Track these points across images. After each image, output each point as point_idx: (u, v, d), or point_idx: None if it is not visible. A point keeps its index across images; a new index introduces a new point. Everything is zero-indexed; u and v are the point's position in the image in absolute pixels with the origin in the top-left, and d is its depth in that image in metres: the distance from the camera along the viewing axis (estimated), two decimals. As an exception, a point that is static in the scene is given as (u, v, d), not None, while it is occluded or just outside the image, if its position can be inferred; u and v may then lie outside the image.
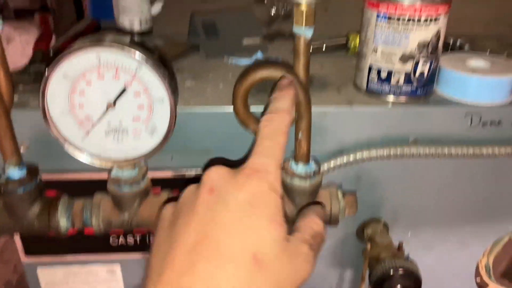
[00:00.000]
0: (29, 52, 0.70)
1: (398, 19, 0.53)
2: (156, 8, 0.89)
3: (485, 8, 1.07)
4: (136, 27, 0.81)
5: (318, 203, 0.47)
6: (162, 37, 0.81)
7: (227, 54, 0.72)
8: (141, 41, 0.44)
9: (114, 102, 0.44)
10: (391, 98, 0.57)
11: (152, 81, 0.43)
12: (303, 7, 0.44)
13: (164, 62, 0.45)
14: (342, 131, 0.57)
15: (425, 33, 0.53)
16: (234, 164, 0.38)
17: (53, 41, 0.79)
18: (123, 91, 0.43)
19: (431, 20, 0.52)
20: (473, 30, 0.88)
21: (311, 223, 0.40)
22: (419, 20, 0.52)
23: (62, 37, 0.80)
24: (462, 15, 0.96)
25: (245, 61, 0.71)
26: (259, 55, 0.73)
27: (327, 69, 0.68)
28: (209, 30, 0.75)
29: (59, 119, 0.45)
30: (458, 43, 0.73)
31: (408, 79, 0.55)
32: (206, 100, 0.57)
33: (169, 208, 0.39)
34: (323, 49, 0.74)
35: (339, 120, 0.57)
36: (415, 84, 0.56)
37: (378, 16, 0.54)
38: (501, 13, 1.02)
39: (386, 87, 0.57)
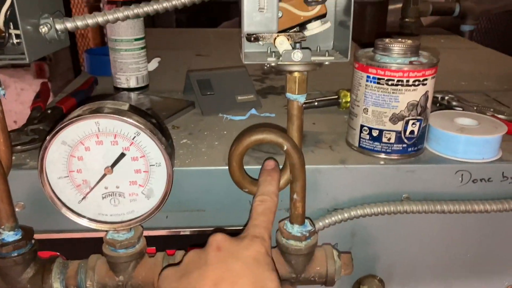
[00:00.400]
0: (24, 99, 0.71)
1: (387, 82, 0.55)
2: (153, 64, 0.92)
3: (472, 63, 1.11)
4: (133, 84, 0.83)
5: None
6: (159, 93, 0.83)
7: (222, 111, 0.74)
8: (139, 107, 0.45)
9: (112, 167, 0.45)
10: (383, 156, 0.58)
11: (149, 147, 0.44)
12: (296, 75, 0.45)
13: (161, 127, 0.46)
14: (336, 189, 0.58)
15: (413, 94, 0.55)
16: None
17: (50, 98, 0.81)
18: (121, 156, 0.44)
19: (419, 82, 0.55)
20: (461, 84, 0.91)
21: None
22: (407, 83, 0.54)
23: (60, 95, 0.81)
24: (450, 70, 1.00)
25: (239, 118, 0.72)
26: (253, 111, 0.74)
27: (320, 126, 0.70)
28: (204, 88, 0.77)
29: (57, 183, 0.45)
30: (446, 99, 0.75)
31: (398, 138, 0.57)
32: (201, 159, 0.58)
33: (171, 270, 0.45)
34: (316, 105, 0.76)
35: (333, 177, 0.58)
36: (405, 142, 0.57)
37: (367, 78, 0.56)
38: (487, 67, 1.06)
39: (377, 146, 0.58)
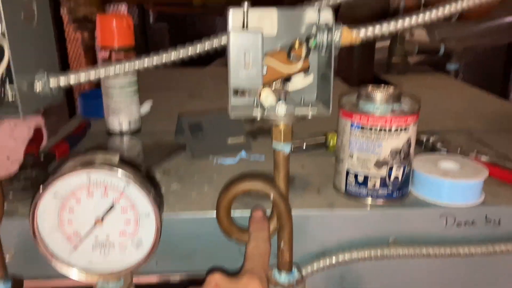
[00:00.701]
0: (17, 134, 0.72)
1: (371, 129, 0.57)
2: (145, 108, 0.94)
3: (458, 102, 1.14)
4: (125, 128, 0.84)
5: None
6: (151, 136, 0.85)
7: (213, 154, 0.75)
8: (129, 158, 0.47)
9: (102, 218, 0.46)
10: (369, 201, 0.60)
11: (138, 198, 0.45)
12: (281, 127, 0.47)
13: (150, 178, 0.47)
14: (324, 234, 0.59)
15: (396, 141, 0.57)
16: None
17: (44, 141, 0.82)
18: (111, 207, 0.45)
19: (401, 129, 0.57)
20: (445, 124, 0.94)
21: None
22: (390, 130, 0.56)
23: (53, 138, 0.83)
24: (437, 108, 1.02)
25: (230, 161, 0.74)
26: (243, 154, 0.76)
27: (307, 168, 0.71)
28: (195, 131, 0.79)
29: (47, 235, 0.46)
30: (430, 141, 0.77)
31: (383, 183, 0.58)
32: (190, 205, 0.59)
33: None
34: (304, 147, 0.78)
35: (320, 222, 0.59)
36: (390, 187, 0.59)
37: (352, 125, 0.58)
38: (472, 107, 1.09)
39: (363, 190, 0.59)
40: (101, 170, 0.43)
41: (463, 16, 1.35)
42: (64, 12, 2.17)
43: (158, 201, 0.46)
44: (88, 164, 0.44)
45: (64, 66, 3.01)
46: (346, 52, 1.28)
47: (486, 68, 3.51)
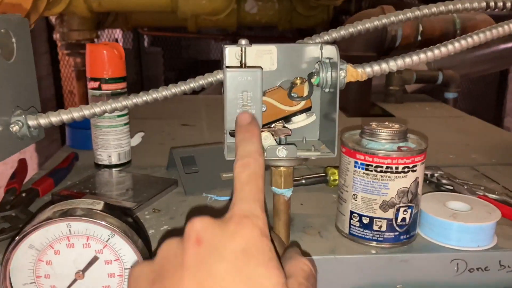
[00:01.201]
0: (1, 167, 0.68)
1: (376, 169, 0.53)
2: (136, 140, 0.90)
3: (459, 133, 1.11)
4: (115, 161, 0.80)
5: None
6: (142, 169, 0.80)
7: (206, 190, 0.71)
8: (115, 204, 0.43)
9: (84, 272, 0.41)
10: (374, 244, 0.55)
11: (124, 249, 0.41)
12: (281, 169, 0.43)
13: (137, 226, 0.43)
14: (327, 280, 0.55)
15: (403, 181, 0.53)
16: (215, 213, 0.35)
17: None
18: (94, 260, 0.41)
19: (408, 169, 0.53)
20: (449, 158, 0.90)
21: (300, 265, 0.36)
22: (396, 169, 0.53)
23: (39, 172, 0.78)
24: (438, 141, 0.99)
25: (224, 198, 0.69)
26: (238, 190, 0.72)
27: (307, 207, 0.67)
28: (187, 165, 0.75)
29: (22, 290, 0.41)
30: (436, 176, 0.74)
31: (390, 226, 0.55)
32: (183, 250, 0.54)
33: (143, 267, 0.34)
34: (303, 183, 0.74)
35: (322, 268, 0.54)
36: (397, 230, 0.55)
37: (355, 164, 0.54)
38: (474, 138, 1.06)
39: (368, 234, 0.55)
40: (82, 220, 0.39)
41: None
42: (57, 37, 2.15)
43: (146, 253, 0.42)
44: (69, 214, 0.39)
45: (57, 89, 2.98)
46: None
47: (480, 94, 3.53)
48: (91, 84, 0.78)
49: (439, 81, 1.37)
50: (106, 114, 0.77)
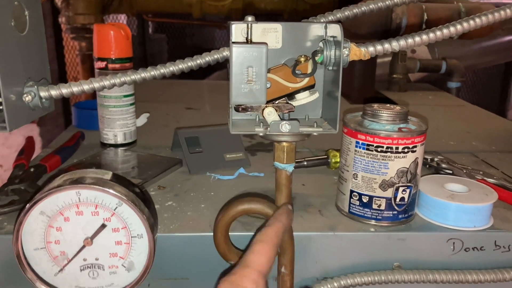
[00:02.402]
0: (11, 143, 0.69)
1: (377, 148, 0.54)
2: (142, 120, 0.91)
3: (460, 121, 1.12)
4: (120, 140, 0.82)
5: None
6: (147, 149, 0.82)
7: (210, 170, 0.73)
8: (123, 176, 0.44)
9: (92, 239, 0.43)
10: (373, 222, 0.57)
11: (131, 218, 0.42)
12: (284, 144, 0.45)
13: (144, 196, 0.44)
14: (326, 257, 0.56)
15: (403, 161, 0.54)
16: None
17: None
18: (102, 227, 0.42)
19: (408, 149, 0.54)
20: (450, 144, 0.92)
21: None
22: (397, 150, 0.54)
23: (45, 150, 0.80)
24: (439, 128, 1.00)
25: (227, 178, 0.71)
26: (241, 170, 0.73)
27: (308, 187, 0.69)
28: (192, 145, 0.76)
29: (32, 255, 0.43)
30: (435, 160, 0.75)
31: (389, 205, 0.56)
32: (186, 225, 0.56)
33: None
34: (305, 164, 0.75)
35: (322, 245, 0.56)
36: (396, 209, 0.56)
37: (357, 144, 0.56)
38: (475, 126, 1.07)
39: (367, 212, 0.57)
40: (91, 188, 0.41)
41: (465, 35, 1.34)
42: (62, 21, 2.15)
43: (152, 221, 0.43)
44: (78, 182, 0.41)
45: (62, 74, 2.99)
46: (347, 69, 1.26)
47: (484, 86, 3.52)
48: (98, 64, 0.79)
49: (443, 70, 1.38)
50: (113, 94, 0.79)
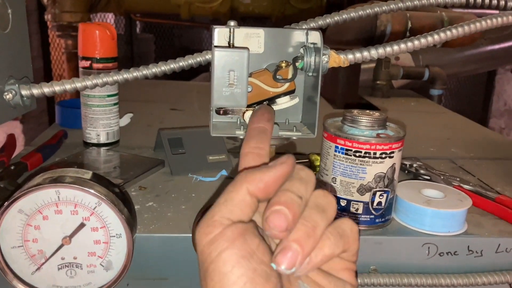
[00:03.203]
0: None
1: (355, 153, 0.55)
2: (125, 120, 0.91)
3: (440, 128, 1.14)
4: (103, 140, 0.82)
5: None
6: (129, 149, 0.82)
7: (192, 171, 0.73)
8: (103, 176, 0.44)
9: (71, 237, 0.43)
10: (350, 226, 0.58)
11: (110, 217, 0.43)
12: (264, 148, 0.45)
13: (123, 197, 0.45)
14: (303, 259, 0.57)
15: (380, 167, 0.56)
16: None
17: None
18: (81, 226, 0.43)
19: (386, 155, 0.55)
20: (429, 150, 0.93)
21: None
22: (374, 155, 0.55)
23: (26, 148, 0.79)
24: (419, 134, 1.02)
25: (209, 180, 0.71)
26: (223, 172, 0.74)
27: (289, 190, 0.70)
28: (175, 146, 0.76)
29: (9, 253, 0.43)
30: (414, 166, 0.77)
31: (366, 209, 0.57)
32: (166, 225, 0.56)
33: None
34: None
35: (300, 247, 0.57)
36: (373, 213, 0.57)
37: (336, 148, 0.57)
38: (455, 133, 1.09)
39: (345, 216, 0.58)
40: (71, 187, 0.41)
41: (448, 44, 1.36)
42: (48, 18, 2.14)
43: (131, 221, 0.44)
44: (58, 181, 0.41)
45: (47, 72, 2.96)
46: (331, 73, 1.28)
47: (467, 94, 3.58)
48: (83, 63, 0.79)
49: (425, 77, 1.40)
50: (97, 93, 0.79)
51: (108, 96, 0.80)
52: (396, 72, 1.36)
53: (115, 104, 0.82)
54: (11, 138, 0.79)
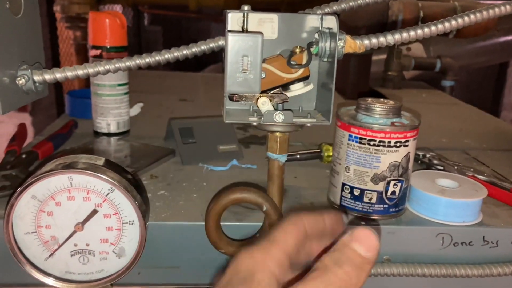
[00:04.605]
0: (2, 131, 0.69)
1: (369, 142, 0.55)
2: (135, 110, 0.91)
3: (453, 119, 1.13)
4: (113, 129, 0.81)
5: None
6: (140, 139, 0.82)
7: (203, 161, 0.73)
8: (115, 162, 0.44)
9: (83, 224, 0.43)
10: (363, 215, 0.57)
11: (123, 204, 0.42)
12: (277, 135, 0.45)
13: (136, 183, 0.44)
14: (316, 248, 0.56)
15: (395, 155, 0.55)
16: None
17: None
18: (93, 213, 0.42)
19: (400, 144, 0.55)
20: (442, 141, 0.92)
21: None
22: (389, 144, 0.54)
23: (37, 137, 0.80)
24: (431, 126, 1.01)
25: (220, 169, 0.71)
26: (234, 162, 0.73)
27: (300, 180, 0.69)
28: (185, 136, 0.76)
29: (23, 239, 0.43)
30: (427, 157, 0.76)
31: (380, 198, 0.56)
32: (178, 213, 0.56)
33: None
34: (298, 158, 0.76)
35: (312, 237, 0.56)
36: (387, 203, 0.57)
37: (349, 137, 0.56)
38: (467, 124, 1.08)
39: (359, 205, 0.57)
40: (84, 173, 0.41)
41: (460, 34, 1.34)
42: (57, 9, 2.14)
43: (144, 208, 0.43)
44: (71, 166, 0.41)
45: (55, 64, 2.97)
46: (342, 65, 1.27)
47: (478, 87, 3.54)
48: (93, 52, 0.78)
49: (437, 68, 1.39)
50: (107, 82, 0.79)
51: (119, 85, 0.80)
52: (408, 62, 1.34)
53: (125, 93, 0.82)
54: (22, 128, 0.79)
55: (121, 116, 0.82)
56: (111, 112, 0.81)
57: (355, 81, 1.27)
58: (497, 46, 2.21)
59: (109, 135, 0.82)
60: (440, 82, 1.48)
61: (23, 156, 0.68)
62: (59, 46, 3.01)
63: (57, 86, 2.91)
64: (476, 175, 0.69)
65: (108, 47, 0.78)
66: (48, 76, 0.42)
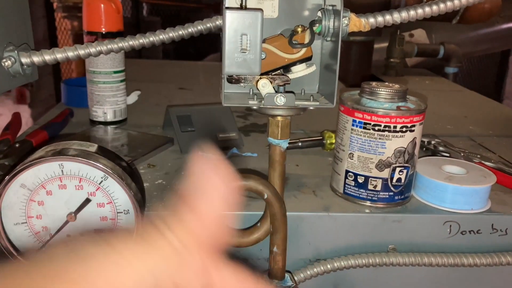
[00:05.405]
0: (2, 124, 0.68)
1: (374, 127, 0.52)
2: (133, 98, 0.89)
3: (457, 106, 1.10)
4: (110, 118, 0.79)
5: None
6: (137, 128, 0.80)
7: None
8: (109, 149, 0.42)
9: (76, 214, 0.41)
10: (368, 204, 0.55)
11: (117, 192, 0.40)
12: (279, 119, 0.43)
13: (131, 170, 0.42)
14: (319, 238, 0.55)
15: (401, 141, 0.53)
16: None
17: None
18: (86, 202, 0.40)
19: (406, 129, 0.52)
20: (447, 128, 0.90)
21: None
22: (395, 129, 0.52)
23: (32, 126, 0.77)
24: (436, 113, 0.99)
25: (219, 157, 0.69)
26: (234, 150, 0.71)
27: (303, 168, 0.67)
28: (184, 124, 0.74)
29: (12, 230, 0.41)
30: (433, 143, 0.74)
31: (385, 185, 0.54)
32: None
33: None
34: (300, 145, 0.74)
35: (315, 226, 0.54)
36: (392, 190, 0.55)
37: (353, 122, 0.54)
38: (472, 111, 1.05)
39: (363, 193, 0.55)
40: (75, 160, 0.39)
41: (464, 20, 1.32)
42: (54, -1, 2.11)
43: (139, 197, 0.41)
44: (62, 153, 0.39)
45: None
46: (344, 51, 1.24)
47: (480, 75, 3.51)
48: (88, 38, 0.76)
49: (440, 55, 1.36)
50: (103, 70, 0.76)
51: (115, 72, 0.77)
52: (411, 49, 1.32)
53: (122, 80, 0.79)
54: (16, 117, 0.77)
55: (118, 104, 0.80)
56: (108, 100, 0.78)
57: (357, 69, 1.24)
58: (499, 33, 2.17)
59: (105, 123, 0.79)
60: (442, 70, 1.45)
61: (17, 145, 0.66)
62: (57, 38, 2.98)
63: (56, 77, 2.89)
64: (483, 161, 0.67)
65: (104, 32, 0.75)
66: (36, 58, 0.40)
